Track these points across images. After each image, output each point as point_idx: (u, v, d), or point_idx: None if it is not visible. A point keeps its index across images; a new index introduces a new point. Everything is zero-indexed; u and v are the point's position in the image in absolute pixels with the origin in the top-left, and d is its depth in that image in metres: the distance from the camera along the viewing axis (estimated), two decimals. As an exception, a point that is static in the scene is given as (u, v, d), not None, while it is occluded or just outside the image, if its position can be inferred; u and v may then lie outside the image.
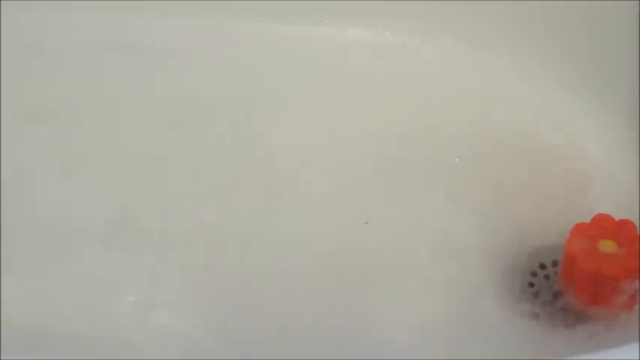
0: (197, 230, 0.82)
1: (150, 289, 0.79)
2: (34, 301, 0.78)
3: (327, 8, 0.97)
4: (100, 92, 0.93)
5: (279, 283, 0.79)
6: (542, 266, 0.79)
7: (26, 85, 0.93)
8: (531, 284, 0.78)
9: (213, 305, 0.78)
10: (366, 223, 0.82)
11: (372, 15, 0.96)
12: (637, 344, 0.58)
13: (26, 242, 0.81)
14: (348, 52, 0.96)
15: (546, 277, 0.79)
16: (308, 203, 0.84)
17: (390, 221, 0.83)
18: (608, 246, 0.74)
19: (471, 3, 0.93)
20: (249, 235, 0.82)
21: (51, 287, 0.78)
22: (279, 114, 0.91)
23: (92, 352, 0.74)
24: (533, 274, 0.79)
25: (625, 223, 0.76)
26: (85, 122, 0.91)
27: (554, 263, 0.79)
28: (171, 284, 0.79)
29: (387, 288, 0.78)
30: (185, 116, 0.91)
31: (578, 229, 0.76)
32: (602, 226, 0.76)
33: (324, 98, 0.93)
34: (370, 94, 0.93)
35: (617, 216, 0.77)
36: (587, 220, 0.77)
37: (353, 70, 0.95)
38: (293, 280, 0.79)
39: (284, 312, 0.77)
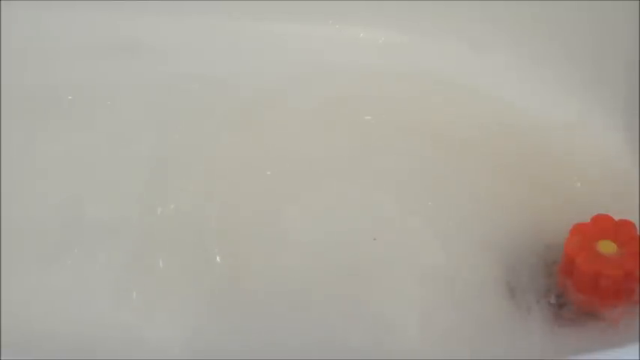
0: (199, 231, 0.82)
1: (151, 289, 0.79)
2: (34, 301, 0.78)
3: (328, 8, 0.97)
4: (99, 90, 0.93)
5: (281, 286, 0.79)
6: (543, 266, 0.79)
7: (25, 83, 0.94)
8: (531, 284, 0.78)
9: (216, 306, 0.78)
10: (375, 239, 0.82)
11: (373, 15, 0.96)
12: (637, 344, 0.58)
13: (26, 242, 0.81)
14: (348, 51, 0.96)
15: (546, 276, 0.79)
16: (308, 205, 0.85)
17: (391, 221, 0.83)
18: (607, 246, 0.74)
19: (471, 3, 0.93)
20: (250, 237, 0.82)
21: (51, 287, 0.78)
22: (279, 114, 0.91)
23: (92, 352, 0.74)
24: (534, 274, 0.79)
25: (624, 224, 0.76)
26: (83, 121, 0.91)
27: (554, 263, 0.79)
28: (172, 284, 0.79)
29: (389, 288, 0.79)
30: (184, 115, 0.91)
31: (578, 229, 0.76)
32: (602, 226, 0.76)
33: (324, 98, 0.93)
34: (370, 94, 0.93)
35: (617, 216, 0.77)
36: (587, 220, 0.77)
37: (353, 69, 0.95)
38: (296, 284, 0.79)
39: (285, 314, 0.77)
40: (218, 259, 0.80)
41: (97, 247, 0.81)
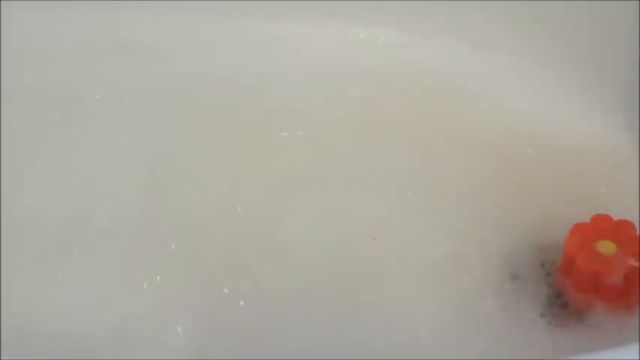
0: (199, 232, 0.82)
1: (151, 289, 0.79)
2: (34, 301, 0.78)
3: (328, 8, 0.97)
4: (98, 90, 0.93)
5: (281, 286, 0.79)
6: (542, 266, 0.79)
7: (24, 83, 0.94)
8: (531, 284, 0.78)
9: (216, 306, 0.78)
10: (375, 239, 0.82)
11: (373, 15, 0.96)
12: (637, 344, 0.58)
13: (26, 242, 0.82)
14: (348, 51, 0.96)
15: (546, 276, 0.79)
16: (308, 205, 0.85)
17: (391, 221, 0.83)
18: (606, 246, 0.74)
19: (471, 3, 0.93)
20: (250, 238, 0.82)
21: (51, 287, 0.78)
22: (278, 114, 0.91)
23: (92, 352, 0.74)
24: (533, 274, 0.79)
25: (623, 223, 0.76)
26: (83, 121, 0.91)
27: (554, 263, 0.79)
28: (172, 284, 0.79)
29: (389, 288, 0.79)
30: (184, 116, 0.91)
31: (577, 229, 0.76)
32: (601, 226, 0.76)
33: (324, 98, 0.93)
34: (370, 94, 0.93)
35: (617, 216, 0.77)
36: (586, 219, 0.77)
37: (353, 69, 0.95)
38: (299, 283, 0.79)
39: (285, 314, 0.77)
40: (218, 259, 0.80)
41: (97, 247, 0.81)
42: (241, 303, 0.78)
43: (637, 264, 0.73)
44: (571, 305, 0.76)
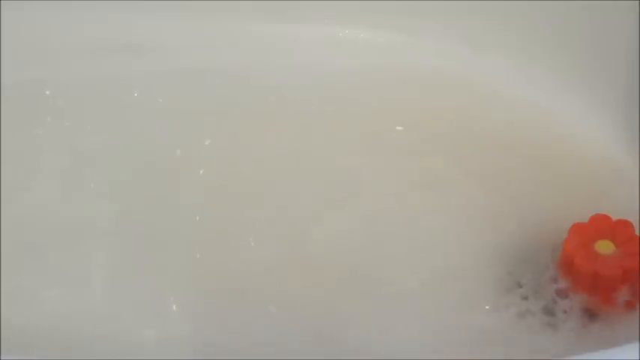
0: (200, 231, 0.82)
1: (151, 289, 0.79)
2: (33, 301, 0.78)
3: (328, 8, 0.97)
4: (101, 91, 0.93)
5: (280, 286, 0.79)
6: (541, 266, 0.79)
7: (26, 83, 0.94)
8: (530, 284, 0.78)
9: (217, 305, 0.78)
10: (375, 239, 0.82)
11: (373, 15, 0.96)
12: (637, 344, 0.58)
13: (26, 241, 0.82)
14: (347, 51, 0.96)
15: (545, 276, 0.79)
16: (308, 204, 0.85)
17: (393, 221, 0.83)
18: (605, 246, 0.74)
19: (471, 2, 0.93)
20: (251, 237, 0.82)
21: (50, 287, 0.79)
22: (278, 114, 0.91)
23: (92, 352, 0.74)
24: (533, 274, 0.79)
25: (622, 224, 0.76)
26: (85, 121, 0.91)
27: (553, 263, 0.79)
28: (172, 284, 0.79)
29: (389, 288, 0.79)
30: (187, 116, 0.91)
31: (576, 229, 0.76)
32: (600, 226, 0.76)
33: (324, 98, 0.93)
34: (370, 94, 0.93)
35: (617, 216, 0.77)
36: (586, 219, 0.77)
37: (352, 69, 0.95)
38: (296, 284, 0.79)
39: (285, 314, 0.77)
40: (219, 259, 0.81)
41: (98, 246, 0.81)
42: (241, 302, 0.78)
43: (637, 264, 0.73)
44: (570, 305, 0.76)
